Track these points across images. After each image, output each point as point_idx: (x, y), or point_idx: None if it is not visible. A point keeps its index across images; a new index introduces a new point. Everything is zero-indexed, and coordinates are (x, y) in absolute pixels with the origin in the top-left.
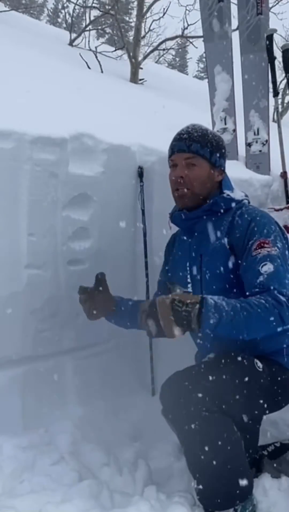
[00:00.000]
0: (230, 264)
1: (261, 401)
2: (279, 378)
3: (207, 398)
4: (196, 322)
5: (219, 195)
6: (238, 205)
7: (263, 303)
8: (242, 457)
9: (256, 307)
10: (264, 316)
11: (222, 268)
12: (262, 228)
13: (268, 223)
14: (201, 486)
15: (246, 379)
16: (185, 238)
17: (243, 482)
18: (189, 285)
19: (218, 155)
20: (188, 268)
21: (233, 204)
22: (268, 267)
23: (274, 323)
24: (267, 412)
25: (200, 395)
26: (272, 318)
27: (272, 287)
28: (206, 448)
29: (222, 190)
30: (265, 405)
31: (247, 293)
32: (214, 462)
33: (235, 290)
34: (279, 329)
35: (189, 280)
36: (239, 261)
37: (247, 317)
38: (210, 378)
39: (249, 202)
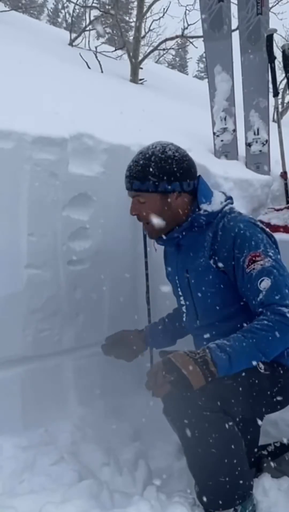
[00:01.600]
0: (220, 282)
1: (262, 402)
2: (280, 379)
3: (208, 397)
4: (213, 364)
5: (196, 213)
6: (219, 216)
7: (266, 323)
8: (242, 457)
9: (260, 330)
10: (271, 335)
11: (210, 286)
12: (249, 240)
13: (253, 233)
14: (201, 486)
15: (247, 379)
16: (172, 250)
17: (243, 482)
18: (181, 298)
19: (165, 182)
20: (177, 282)
21: (213, 218)
22: (266, 283)
23: (285, 336)
24: (268, 412)
25: (201, 394)
26: (280, 334)
27: (272, 303)
28: (206, 448)
29: (198, 203)
30: (266, 406)
31: (254, 312)
32: (214, 462)
33: (234, 305)
34: None
35: (180, 293)
36: (233, 280)
37: (256, 342)
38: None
39: (232, 203)
